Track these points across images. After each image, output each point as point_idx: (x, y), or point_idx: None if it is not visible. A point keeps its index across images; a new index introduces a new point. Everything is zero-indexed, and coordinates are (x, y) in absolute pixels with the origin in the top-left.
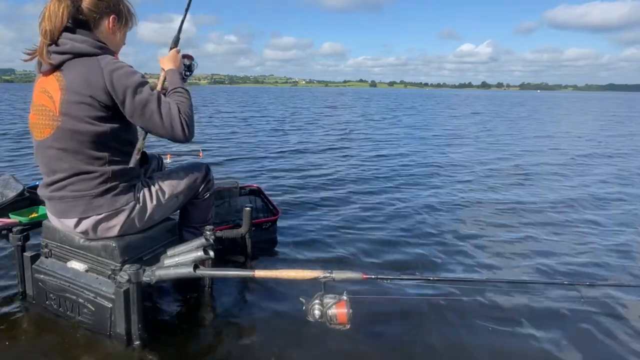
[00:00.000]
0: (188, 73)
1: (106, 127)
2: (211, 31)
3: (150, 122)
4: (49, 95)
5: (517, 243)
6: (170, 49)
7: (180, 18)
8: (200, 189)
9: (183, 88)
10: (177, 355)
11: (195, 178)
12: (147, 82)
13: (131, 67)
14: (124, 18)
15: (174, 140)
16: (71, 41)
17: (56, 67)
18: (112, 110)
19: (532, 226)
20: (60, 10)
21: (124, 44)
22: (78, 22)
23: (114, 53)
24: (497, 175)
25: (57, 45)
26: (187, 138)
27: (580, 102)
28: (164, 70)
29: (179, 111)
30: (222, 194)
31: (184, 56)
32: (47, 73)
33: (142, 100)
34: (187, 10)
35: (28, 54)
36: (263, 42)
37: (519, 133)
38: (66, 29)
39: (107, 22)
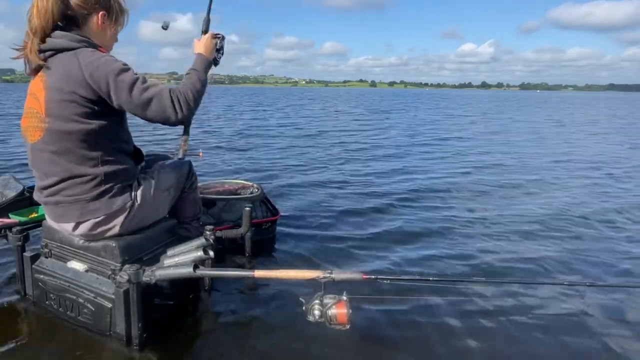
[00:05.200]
0: (220, 55)
1: (94, 124)
2: (213, 31)
3: (139, 104)
4: (35, 97)
5: (519, 243)
6: (203, 32)
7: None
8: (185, 184)
9: (197, 71)
10: (176, 356)
11: (181, 173)
12: (129, 68)
13: (112, 56)
14: (115, 14)
15: (166, 121)
16: (51, 38)
17: (40, 67)
18: (97, 105)
19: (534, 226)
20: (50, 6)
21: (116, 41)
22: (66, 18)
23: (97, 46)
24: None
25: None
26: (177, 117)
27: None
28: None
29: (170, 90)
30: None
31: (215, 36)
32: (33, 73)
33: (126, 82)
34: None
35: (17, 49)
36: (264, 42)
37: None
38: (55, 27)
39: (96, 19)
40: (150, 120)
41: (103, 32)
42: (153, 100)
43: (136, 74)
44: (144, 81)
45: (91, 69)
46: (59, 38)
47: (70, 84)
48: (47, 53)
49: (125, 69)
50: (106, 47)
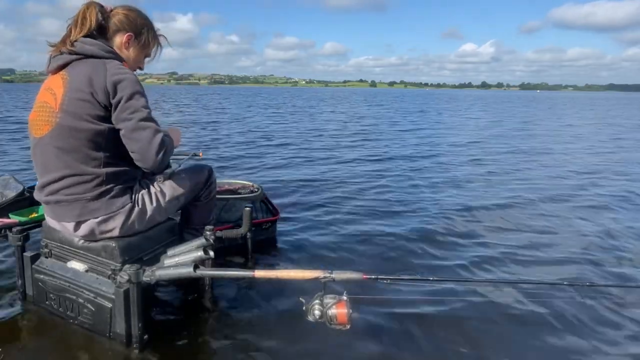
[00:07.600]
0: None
1: (104, 126)
2: (214, 31)
3: (130, 131)
4: (52, 93)
5: (519, 243)
6: None
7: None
8: (202, 192)
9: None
10: (177, 356)
11: (197, 181)
12: (146, 97)
13: (136, 76)
14: (143, 42)
15: (142, 160)
16: (81, 43)
17: (63, 66)
18: (110, 111)
19: (534, 226)
20: (88, 16)
21: (141, 67)
22: (99, 27)
23: (123, 60)
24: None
25: (71, 46)
26: (155, 163)
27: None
28: None
29: (163, 138)
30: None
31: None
32: (54, 72)
33: (133, 106)
34: None
35: (52, 45)
36: (265, 42)
37: None
38: (86, 35)
39: (122, 37)
40: (130, 149)
41: (126, 50)
42: (143, 136)
43: (148, 107)
44: (149, 117)
45: (115, 79)
46: (90, 45)
47: (92, 87)
48: (74, 56)
49: (143, 94)
50: (127, 65)
